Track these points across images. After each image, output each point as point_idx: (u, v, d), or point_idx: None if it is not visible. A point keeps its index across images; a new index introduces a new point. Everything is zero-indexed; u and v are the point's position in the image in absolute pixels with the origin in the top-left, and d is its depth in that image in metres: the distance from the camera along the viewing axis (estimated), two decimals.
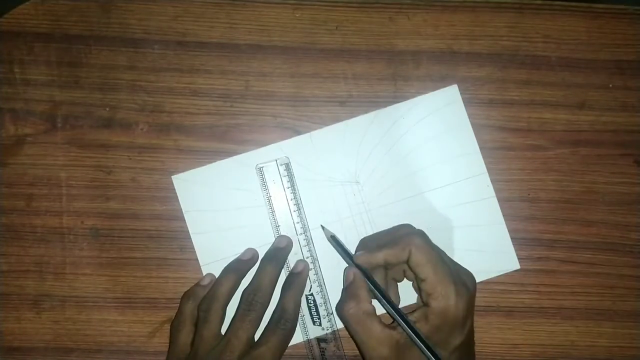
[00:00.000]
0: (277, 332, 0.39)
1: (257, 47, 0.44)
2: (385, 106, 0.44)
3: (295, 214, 0.43)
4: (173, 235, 0.44)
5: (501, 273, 0.44)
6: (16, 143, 0.44)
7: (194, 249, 0.43)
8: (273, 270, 0.41)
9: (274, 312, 0.40)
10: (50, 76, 0.44)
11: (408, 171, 0.44)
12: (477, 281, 0.43)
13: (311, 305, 0.43)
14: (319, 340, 0.43)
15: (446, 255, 0.40)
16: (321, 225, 0.43)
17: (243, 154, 0.44)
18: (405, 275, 0.41)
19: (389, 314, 0.38)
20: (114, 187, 0.44)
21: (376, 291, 0.39)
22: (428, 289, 0.37)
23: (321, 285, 0.43)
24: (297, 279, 0.42)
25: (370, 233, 0.44)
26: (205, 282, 0.42)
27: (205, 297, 0.41)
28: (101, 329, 0.43)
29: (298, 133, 0.44)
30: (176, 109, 0.44)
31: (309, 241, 0.44)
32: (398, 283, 0.42)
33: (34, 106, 0.44)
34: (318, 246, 0.44)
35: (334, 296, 0.43)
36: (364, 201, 0.44)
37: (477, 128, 0.44)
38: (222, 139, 0.44)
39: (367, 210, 0.44)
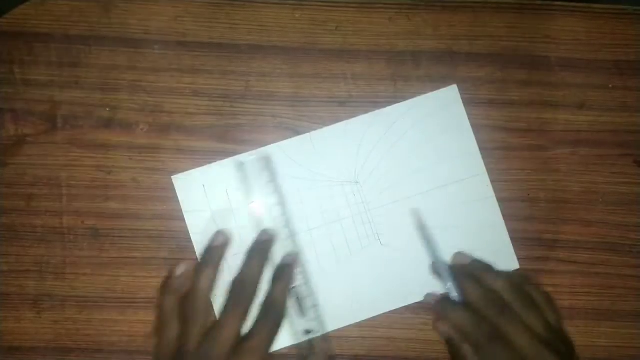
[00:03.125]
0: (268, 324, 0.39)
1: (257, 48, 0.44)
2: (385, 106, 0.44)
3: (277, 208, 0.43)
4: (173, 235, 0.44)
5: None
6: (16, 143, 0.44)
7: (194, 249, 0.43)
8: (259, 262, 0.41)
9: (262, 304, 0.40)
10: (51, 76, 0.44)
11: (408, 171, 0.44)
12: None
13: (297, 298, 0.43)
14: (306, 331, 0.43)
15: None
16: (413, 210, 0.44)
17: (243, 154, 0.44)
18: None
19: None
20: (114, 187, 0.44)
21: None
22: None
23: (306, 278, 0.43)
24: (285, 271, 0.42)
25: (370, 233, 0.44)
26: (179, 272, 0.41)
27: (189, 293, 0.40)
28: (101, 329, 0.43)
29: (298, 133, 0.44)
30: (176, 109, 0.44)
31: (293, 234, 0.43)
32: None
33: (34, 106, 0.44)
34: (302, 240, 0.44)
35: (319, 288, 0.43)
36: (363, 201, 0.44)
37: (476, 128, 0.44)
38: (222, 139, 0.44)
39: (367, 210, 0.44)
